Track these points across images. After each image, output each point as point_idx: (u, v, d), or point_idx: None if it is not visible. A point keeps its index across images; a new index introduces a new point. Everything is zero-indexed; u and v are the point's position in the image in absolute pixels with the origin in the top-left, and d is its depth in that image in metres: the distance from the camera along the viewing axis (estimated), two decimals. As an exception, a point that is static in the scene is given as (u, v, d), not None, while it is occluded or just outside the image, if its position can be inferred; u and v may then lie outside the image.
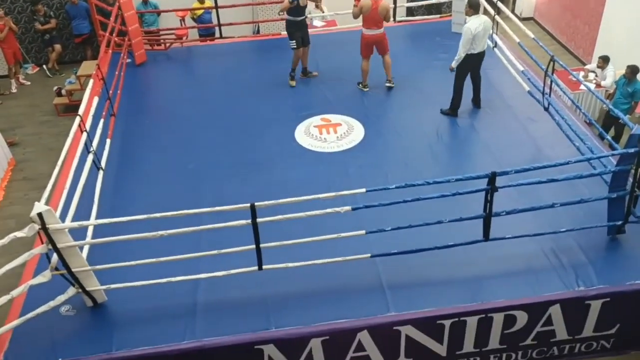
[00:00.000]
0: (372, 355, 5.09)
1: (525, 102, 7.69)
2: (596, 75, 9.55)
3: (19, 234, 4.44)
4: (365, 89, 8.61)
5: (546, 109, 7.17)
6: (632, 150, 4.93)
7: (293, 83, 8.89)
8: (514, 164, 5.08)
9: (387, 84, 8.61)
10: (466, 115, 7.81)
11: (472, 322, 5.04)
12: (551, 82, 6.99)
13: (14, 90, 11.33)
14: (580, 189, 5.81)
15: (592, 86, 9.14)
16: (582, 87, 8.89)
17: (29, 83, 11.62)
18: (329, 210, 4.80)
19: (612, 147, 5.88)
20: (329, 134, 7.59)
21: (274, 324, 4.93)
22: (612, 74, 9.21)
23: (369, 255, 5.16)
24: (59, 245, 4.61)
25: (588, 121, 6.81)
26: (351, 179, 6.60)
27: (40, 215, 4.42)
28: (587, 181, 5.50)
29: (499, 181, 4.84)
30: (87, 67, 10.64)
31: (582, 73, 9.65)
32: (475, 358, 5.32)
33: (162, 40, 10.50)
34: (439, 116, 7.82)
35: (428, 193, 4.90)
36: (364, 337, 4.96)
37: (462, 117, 7.76)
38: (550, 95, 7.13)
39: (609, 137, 6.21)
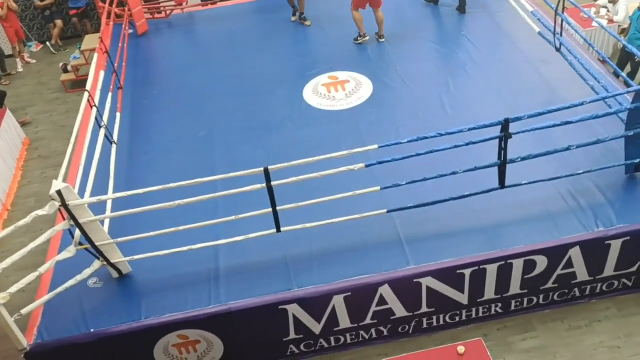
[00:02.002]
0: (394, 308, 5.18)
1: (536, 43, 7.50)
2: (608, 11, 9.25)
3: (40, 212, 4.52)
4: (366, 38, 8.45)
5: (558, 50, 7.00)
6: (647, 86, 4.83)
7: (294, 18, 9.30)
8: (527, 109, 5.00)
9: (379, 39, 8.45)
10: (475, 61, 7.66)
11: (491, 269, 5.08)
12: (562, 21, 6.80)
13: (20, 69, 11.33)
14: (596, 129, 5.72)
15: (604, 22, 8.86)
16: (594, 23, 8.64)
17: (34, 61, 11.60)
18: (342, 168, 4.80)
19: (627, 84, 5.75)
20: (337, 91, 7.51)
21: (296, 283, 5.01)
22: (625, 8, 8.91)
23: (385, 210, 5.17)
24: (81, 221, 4.69)
25: (602, 59, 6.64)
26: (363, 136, 6.57)
27: (59, 192, 4.48)
28: (603, 120, 5.40)
29: (513, 127, 4.78)
30: (90, 40, 10.54)
31: (593, 9, 9.35)
32: (497, 304, 5.39)
33: (162, 8, 10.35)
34: (448, 65, 7.69)
35: (441, 144, 4.86)
36: (385, 290, 5.03)
37: (471, 64, 7.62)
38: (561, 35, 6.95)
39: (623, 74, 6.08)
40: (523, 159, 5.02)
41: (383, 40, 8.42)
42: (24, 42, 11.83)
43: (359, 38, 8.47)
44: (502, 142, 4.88)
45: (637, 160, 5.40)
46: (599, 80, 6.00)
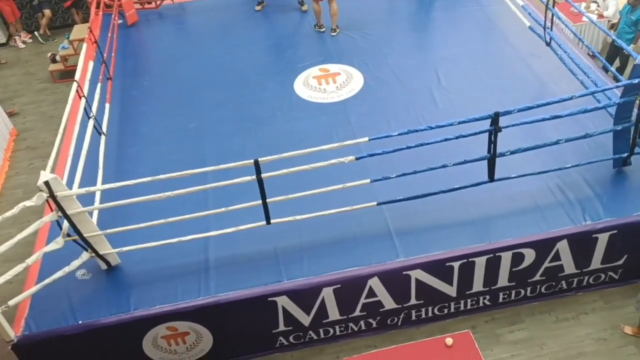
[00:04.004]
0: (383, 300, 5.20)
1: (526, 38, 7.53)
2: (598, 6, 9.28)
3: (28, 203, 4.48)
4: (322, 30, 8.62)
5: (548, 44, 7.02)
6: (636, 80, 4.86)
7: (258, 8, 9.43)
8: (518, 103, 5.02)
9: (331, 33, 8.52)
10: (466, 55, 7.67)
11: (480, 262, 5.11)
12: (552, 15, 6.82)
13: (21, 45, 11.52)
14: (585, 123, 5.76)
15: (594, 17, 8.91)
16: (584, 18, 8.68)
17: (31, 41, 11.67)
18: (333, 161, 4.80)
19: (616, 79, 5.79)
20: (328, 84, 7.49)
21: (285, 276, 5.02)
22: (615, 3, 8.95)
23: (375, 203, 5.18)
24: (69, 212, 4.66)
25: (592, 54, 6.67)
26: (354, 128, 6.57)
27: (47, 183, 4.45)
28: (592, 115, 5.43)
29: (503, 121, 4.80)
30: (79, 31, 10.42)
31: (583, 4, 9.38)
32: (485, 296, 5.43)
33: (152, -2, 10.26)
34: (439, 59, 7.70)
35: (431, 138, 4.87)
36: (374, 283, 5.05)
37: (462, 58, 7.63)
38: (552, 30, 6.97)
39: (612, 69, 6.11)
40: (512, 152, 5.05)
41: (334, 34, 8.51)
42: (20, 22, 11.84)
43: (315, 27, 8.73)
44: (492, 136, 4.89)
45: (625, 155, 5.44)
46: (589, 75, 6.03)
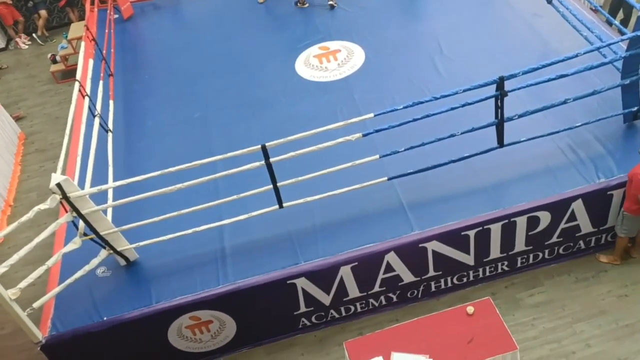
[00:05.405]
0: (401, 274, 5.22)
1: (527, -3, 7.42)
2: (599, -42, 9.08)
3: (42, 206, 4.53)
4: (305, 6, 8.66)
5: (549, 2, 6.89)
6: (641, 32, 4.76)
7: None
8: (522, 65, 4.95)
9: (329, 2, 8.47)
10: (466, 22, 7.56)
11: (496, 228, 5.10)
12: (552, -28, 6.69)
13: (24, 46, 11.55)
14: (592, 80, 5.67)
15: (595, -30, 8.71)
16: (584, -28, 8.50)
17: (30, 43, 11.68)
18: (340, 140, 4.79)
19: (621, 32, 5.68)
20: (329, 62, 7.43)
21: (302, 258, 5.05)
22: (615, -46, 8.74)
23: (386, 178, 5.17)
24: (83, 212, 4.70)
25: (594, 8, 6.54)
26: (358, 105, 6.53)
27: (59, 185, 4.48)
28: (598, 71, 5.33)
29: (508, 85, 4.74)
30: (77, 29, 10.39)
31: (583, -43, 9.18)
32: (503, 262, 5.43)
33: (146, -10, 10.17)
34: (439, 27, 7.59)
35: (437, 108, 4.83)
36: (391, 258, 5.07)
37: (462, 24, 7.51)
38: (552, -13, 6.84)
39: (616, 22, 5.99)
40: (521, 116, 5.00)
41: (332, 2, 8.46)
42: (24, 23, 11.85)
43: (297, 4, 8.75)
44: (499, 101, 4.84)
45: (635, 109, 5.37)
46: (593, 30, 5.92)
